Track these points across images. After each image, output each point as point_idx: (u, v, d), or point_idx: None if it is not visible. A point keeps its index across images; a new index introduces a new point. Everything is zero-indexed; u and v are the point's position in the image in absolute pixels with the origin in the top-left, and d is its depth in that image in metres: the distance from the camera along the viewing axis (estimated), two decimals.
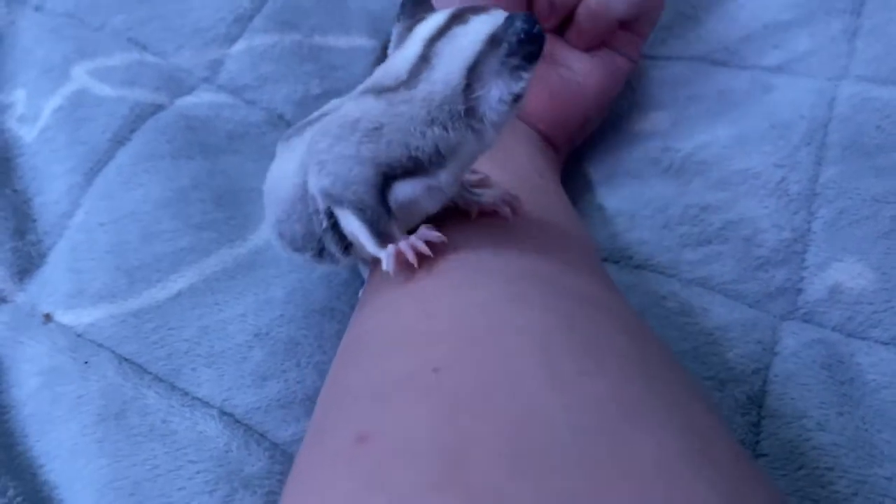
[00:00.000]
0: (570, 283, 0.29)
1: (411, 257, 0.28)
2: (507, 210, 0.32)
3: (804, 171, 0.42)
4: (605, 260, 0.43)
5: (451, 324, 0.26)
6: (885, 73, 0.45)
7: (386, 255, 0.29)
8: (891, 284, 0.39)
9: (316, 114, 0.32)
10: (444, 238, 0.29)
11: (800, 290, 0.40)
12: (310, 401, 0.36)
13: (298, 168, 0.31)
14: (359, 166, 0.28)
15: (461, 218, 0.32)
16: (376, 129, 0.28)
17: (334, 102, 0.32)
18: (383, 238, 0.29)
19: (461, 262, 0.29)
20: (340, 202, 0.29)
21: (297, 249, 0.32)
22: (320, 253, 0.32)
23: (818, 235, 0.41)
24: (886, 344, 0.37)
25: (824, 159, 0.43)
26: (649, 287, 0.41)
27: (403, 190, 0.29)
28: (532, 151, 0.43)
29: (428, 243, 0.29)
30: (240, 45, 0.51)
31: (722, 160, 0.44)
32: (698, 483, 0.20)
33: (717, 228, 0.42)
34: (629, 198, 0.45)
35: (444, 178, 0.29)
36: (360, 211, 0.29)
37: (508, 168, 0.38)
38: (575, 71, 0.45)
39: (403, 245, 0.29)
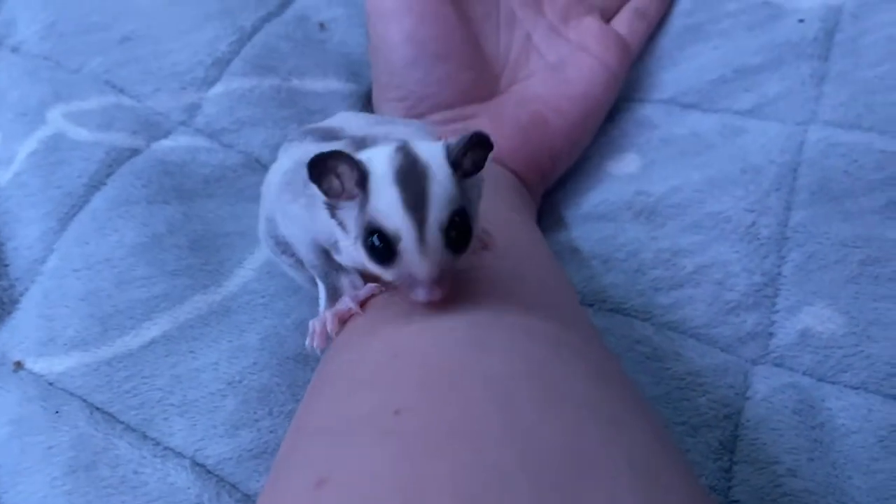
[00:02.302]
0: (536, 326, 0.30)
1: (330, 327, 0.30)
2: (476, 245, 0.31)
3: (774, 216, 0.43)
4: (580, 303, 0.43)
5: (416, 367, 0.26)
6: (851, 118, 0.46)
7: (310, 328, 0.30)
8: (859, 328, 0.39)
9: (323, 123, 0.32)
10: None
11: (771, 335, 0.40)
12: None
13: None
14: (298, 228, 0.29)
15: None
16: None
17: (341, 116, 0.32)
18: (334, 291, 0.30)
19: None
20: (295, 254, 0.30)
21: (282, 252, 0.33)
22: (300, 262, 0.33)
23: (788, 279, 0.41)
24: (856, 388, 0.38)
25: (794, 203, 0.43)
26: (623, 331, 0.41)
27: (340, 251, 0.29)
28: (504, 189, 0.43)
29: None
30: (217, 89, 0.52)
31: (694, 204, 0.45)
32: None
33: (688, 272, 0.42)
34: (603, 241, 0.45)
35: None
36: (312, 267, 0.29)
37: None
38: (541, 91, 0.48)
39: (326, 315, 0.30)
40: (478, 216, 0.28)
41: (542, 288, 0.34)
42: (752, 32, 0.52)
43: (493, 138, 0.44)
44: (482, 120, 0.46)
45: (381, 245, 0.26)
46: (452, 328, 0.28)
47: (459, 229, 0.26)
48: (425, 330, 0.28)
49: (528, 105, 0.48)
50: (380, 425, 0.24)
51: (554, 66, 0.50)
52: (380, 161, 0.26)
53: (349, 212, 0.27)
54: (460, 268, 0.27)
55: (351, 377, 0.28)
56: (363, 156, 0.27)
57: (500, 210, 0.40)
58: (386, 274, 0.27)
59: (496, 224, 0.35)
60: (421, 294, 0.26)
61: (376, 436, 0.24)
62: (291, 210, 0.29)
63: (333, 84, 0.53)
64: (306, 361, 0.39)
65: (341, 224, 0.27)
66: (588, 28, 0.51)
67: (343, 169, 0.26)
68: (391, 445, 0.23)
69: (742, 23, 0.53)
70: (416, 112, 0.46)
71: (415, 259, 0.26)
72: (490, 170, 0.43)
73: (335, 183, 0.26)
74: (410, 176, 0.26)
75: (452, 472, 0.22)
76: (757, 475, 0.35)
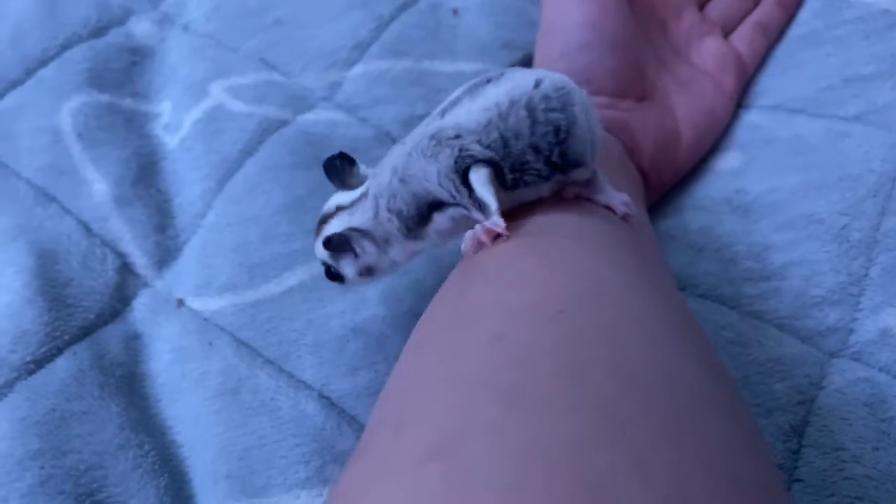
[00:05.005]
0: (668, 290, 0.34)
1: (484, 239, 0.33)
2: (623, 210, 0.36)
3: (867, 220, 0.45)
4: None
5: (571, 281, 0.30)
6: None
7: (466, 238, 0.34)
8: None
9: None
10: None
11: (851, 331, 0.42)
12: None
13: None
14: None
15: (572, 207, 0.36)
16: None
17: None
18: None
19: (574, 239, 0.33)
20: None
21: None
22: None
23: (874, 281, 0.43)
24: None
25: (888, 210, 0.45)
26: (710, 316, 0.44)
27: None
28: (633, 184, 0.46)
29: None
30: (357, 69, 0.58)
31: (789, 204, 0.47)
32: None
33: (777, 267, 0.45)
34: (700, 231, 0.48)
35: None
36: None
37: None
38: (675, 104, 0.50)
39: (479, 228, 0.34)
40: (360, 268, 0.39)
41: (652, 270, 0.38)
42: (868, 41, 0.53)
43: (637, 138, 0.48)
44: (634, 115, 0.49)
45: None
46: (600, 254, 0.32)
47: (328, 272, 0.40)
48: (575, 256, 0.32)
49: (669, 116, 0.50)
50: (545, 314, 0.28)
51: (683, 84, 0.52)
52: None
53: None
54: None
55: (508, 276, 0.31)
56: None
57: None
58: None
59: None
60: None
61: (543, 320, 0.27)
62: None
63: (462, 66, 0.58)
64: (418, 317, 0.44)
65: None
66: (708, 50, 0.54)
67: None
68: (557, 329, 0.27)
69: (859, 31, 0.54)
70: None
71: None
72: (625, 164, 0.47)
73: None
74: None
75: (609, 357, 0.26)
76: (822, 458, 0.38)
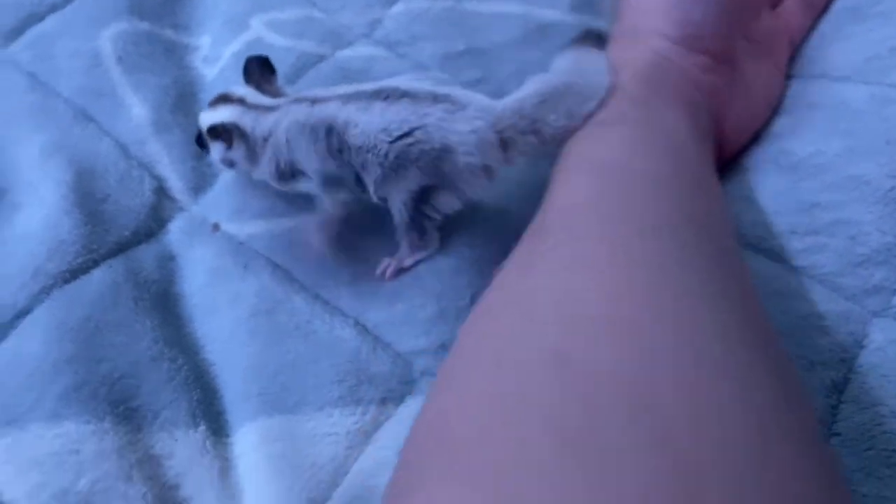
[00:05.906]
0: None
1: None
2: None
3: None
4: None
5: (646, 288, 0.28)
6: None
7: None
8: None
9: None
10: None
11: (895, 291, 0.42)
12: (429, 321, 0.40)
13: None
14: None
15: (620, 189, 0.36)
16: None
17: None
18: None
19: (652, 232, 0.33)
20: None
21: None
22: None
23: None
24: None
25: None
26: (758, 268, 0.44)
27: None
28: (709, 150, 0.46)
29: None
30: (398, 7, 0.57)
31: (835, 166, 0.46)
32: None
33: (824, 224, 0.44)
34: (747, 186, 0.48)
35: None
36: None
37: (661, 133, 0.41)
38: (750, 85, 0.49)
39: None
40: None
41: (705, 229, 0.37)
42: None
43: (723, 108, 0.47)
44: (727, 82, 0.48)
45: None
46: (676, 254, 0.32)
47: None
48: (650, 251, 0.31)
49: (748, 86, 0.49)
50: (614, 329, 0.26)
51: (750, 55, 0.51)
52: None
53: None
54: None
55: (570, 271, 0.30)
56: None
57: (706, 167, 0.43)
58: None
59: (698, 176, 0.40)
60: None
61: (611, 336, 0.26)
62: None
63: (504, 6, 0.57)
64: (448, 252, 0.43)
65: None
66: (761, 23, 0.52)
67: None
68: (626, 351, 0.25)
69: None
70: (686, 45, 0.47)
71: None
72: (709, 136, 0.46)
73: None
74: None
75: (684, 391, 0.24)
76: (860, 413, 0.38)
